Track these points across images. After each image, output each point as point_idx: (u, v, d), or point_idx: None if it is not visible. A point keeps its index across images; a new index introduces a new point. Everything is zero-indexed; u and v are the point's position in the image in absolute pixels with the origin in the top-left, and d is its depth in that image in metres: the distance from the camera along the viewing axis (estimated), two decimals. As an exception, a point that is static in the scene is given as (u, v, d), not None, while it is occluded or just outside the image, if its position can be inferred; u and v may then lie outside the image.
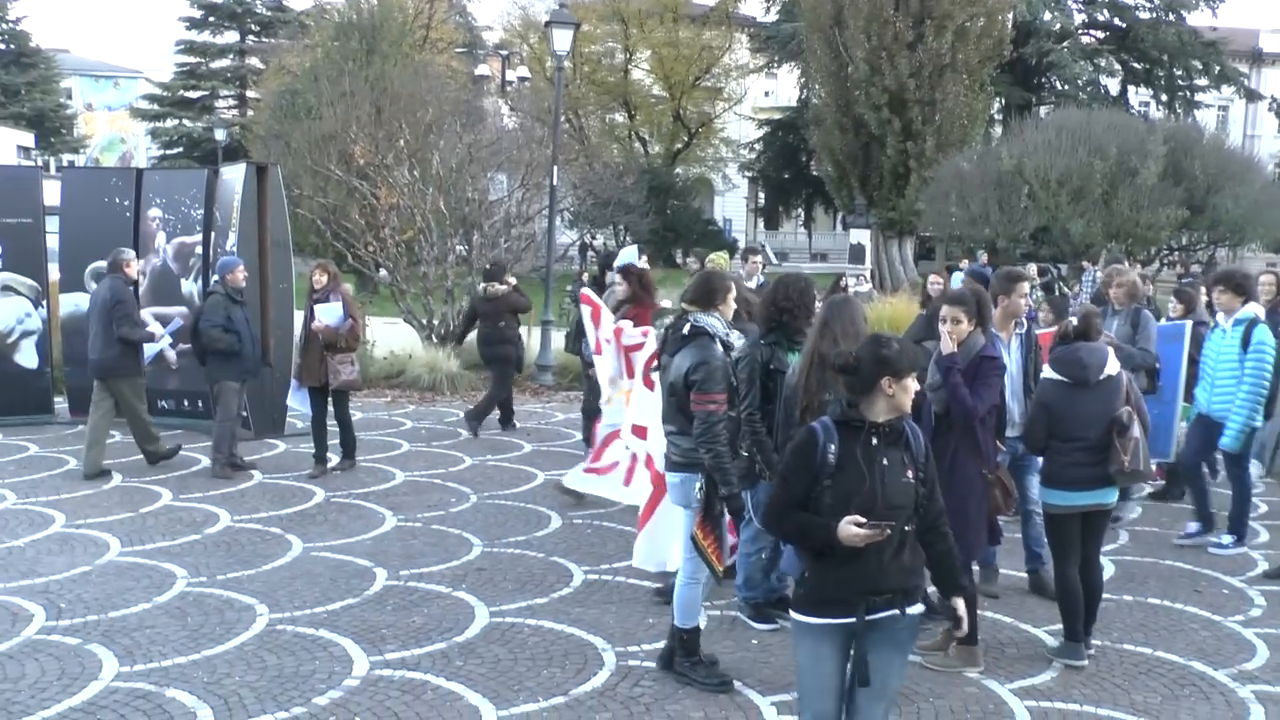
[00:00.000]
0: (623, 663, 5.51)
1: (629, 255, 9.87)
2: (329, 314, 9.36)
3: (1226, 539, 7.61)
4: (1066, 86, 41.51)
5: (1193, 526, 7.86)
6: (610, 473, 7.74)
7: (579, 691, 5.17)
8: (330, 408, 9.67)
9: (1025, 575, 6.79)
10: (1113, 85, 43.64)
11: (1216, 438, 7.45)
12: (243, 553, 7.30)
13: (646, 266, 10.43)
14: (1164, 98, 43.04)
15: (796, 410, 4.98)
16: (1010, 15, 36.31)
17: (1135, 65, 42.90)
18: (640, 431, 6.94)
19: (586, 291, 8.64)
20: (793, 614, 3.70)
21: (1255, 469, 7.51)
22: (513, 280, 11.87)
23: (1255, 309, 7.51)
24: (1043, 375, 5.77)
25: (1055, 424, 5.56)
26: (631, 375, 7.42)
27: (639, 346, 7.31)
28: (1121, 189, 25.70)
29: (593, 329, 8.09)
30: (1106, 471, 5.44)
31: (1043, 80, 42.69)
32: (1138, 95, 44.74)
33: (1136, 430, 5.44)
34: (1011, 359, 6.14)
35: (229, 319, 9.36)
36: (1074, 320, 5.78)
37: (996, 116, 40.42)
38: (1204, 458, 8.03)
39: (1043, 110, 39.68)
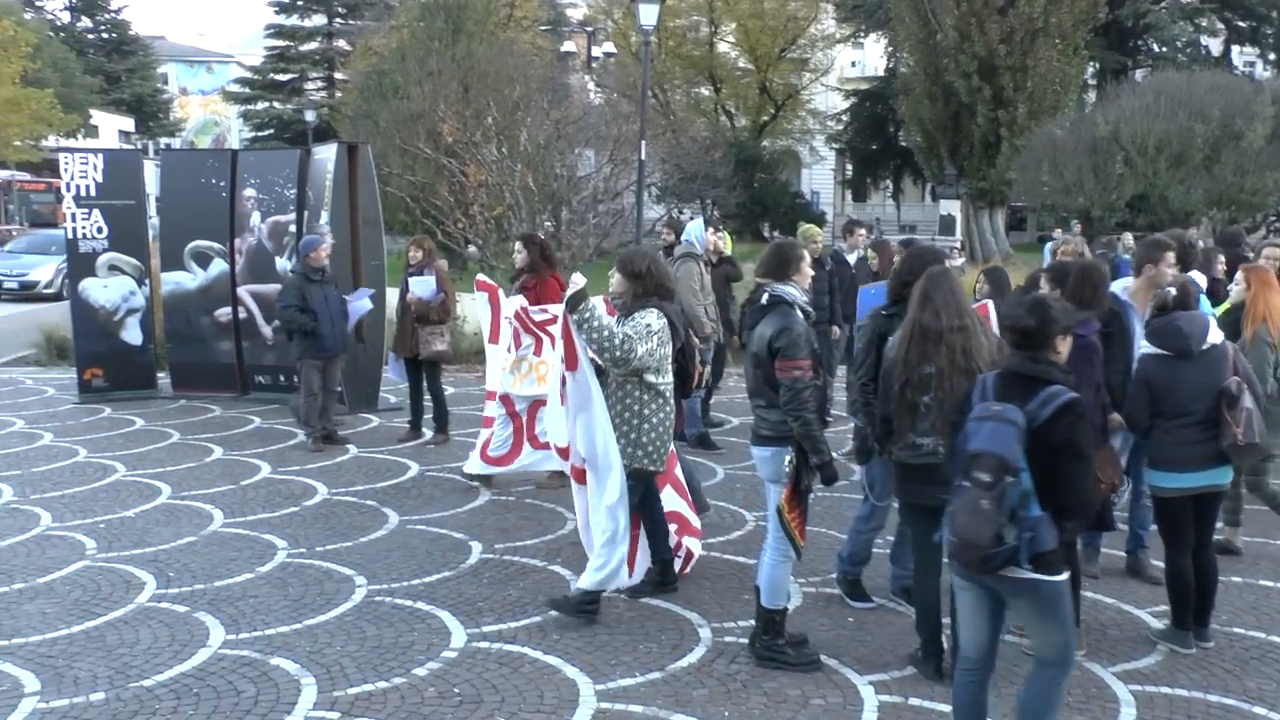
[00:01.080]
0: (719, 639, 5.49)
1: (696, 228, 9.88)
2: (422, 287, 9.60)
3: None
4: (1165, 48, 40.18)
5: None
6: (513, 456, 8.04)
7: (675, 667, 5.16)
8: (424, 380, 9.87)
9: (1124, 555, 6.61)
10: (1215, 46, 42.10)
11: None
12: (340, 525, 7.43)
13: (722, 238, 10.42)
14: (1272, 56, 41.39)
15: (895, 384, 4.87)
16: (1106, -24, 35.19)
17: (1240, 23, 41.27)
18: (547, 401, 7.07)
19: (481, 277, 8.62)
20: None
21: None
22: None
23: (1198, 277, 7.02)
24: (1141, 350, 5.52)
25: (1159, 401, 5.32)
26: (541, 350, 7.79)
27: (552, 320, 7.42)
28: (1225, 153, 24.83)
29: (489, 312, 8.18)
30: (1218, 448, 5.22)
31: (1139, 43, 41.36)
32: (1242, 55, 43.13)
33: (1248, 401, 5.18)
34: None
35: (304, 298, 9.49)
36: (1172, 290, 5.53)
37: (1090, 82, 39.24)
38: None
39: (1139, 74, 38.48)
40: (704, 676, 5.07)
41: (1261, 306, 6.44)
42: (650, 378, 5.76)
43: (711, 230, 10.14)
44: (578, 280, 5.51)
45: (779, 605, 5.21)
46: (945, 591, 4.95)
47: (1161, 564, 5.66)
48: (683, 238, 9.90)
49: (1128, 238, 18.24)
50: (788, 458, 5.03)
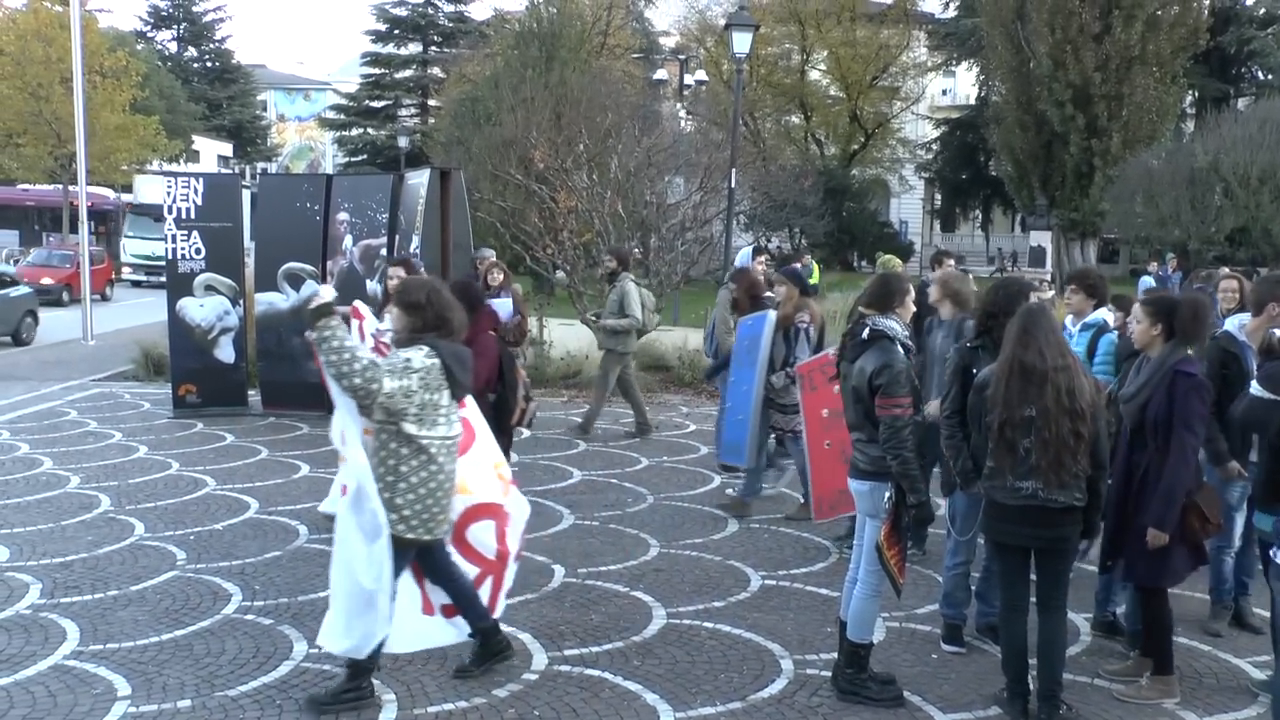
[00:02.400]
0: (800, 671, 5.40)
1: (744, 256, 10.00)
2: (500, 309, 9.71)
3: None
4: (1270, 76, 39.10)
5: None
6: None
7: (756, 698, 5.09)
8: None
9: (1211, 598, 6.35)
10: (1323, 75, 40.88)
11: None
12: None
13: (808, 268, 10.44)
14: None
15: (994, 422, 4.76)
16: (1207, 1, 34.44)
17: (1350, 51, 40.07)
18: None
19: (356, 304, 7.95)
20: None
21: None
22: None
23: (1105, 314, 6.89)
24: (1251, 392, 5.28)
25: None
26: None
27: None
28: None
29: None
30: None
31: (1243, 70, 40.37)
32: (1352, 85, 41.78)
33: None
34: None
35: None
36: (1277, 332, 5.29)
37: (1189, 110, 38.38)
38: None
39: (1241, 103, 37.50)
40: (785, 708, 4.99)
41: None
42: (409, 428, 4.77)
43: (763, 259, 10.30)
44: (324, 293, 4.89)
45: (865, 640, 5.11)
46: (1030, 629, 4.83)
47: (1264, 611, 5.43)
48: (735, 265, 10.17)
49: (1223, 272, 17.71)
50: (886, 494, 4.95)
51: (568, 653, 5.56)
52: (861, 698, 5.04)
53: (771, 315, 8.12)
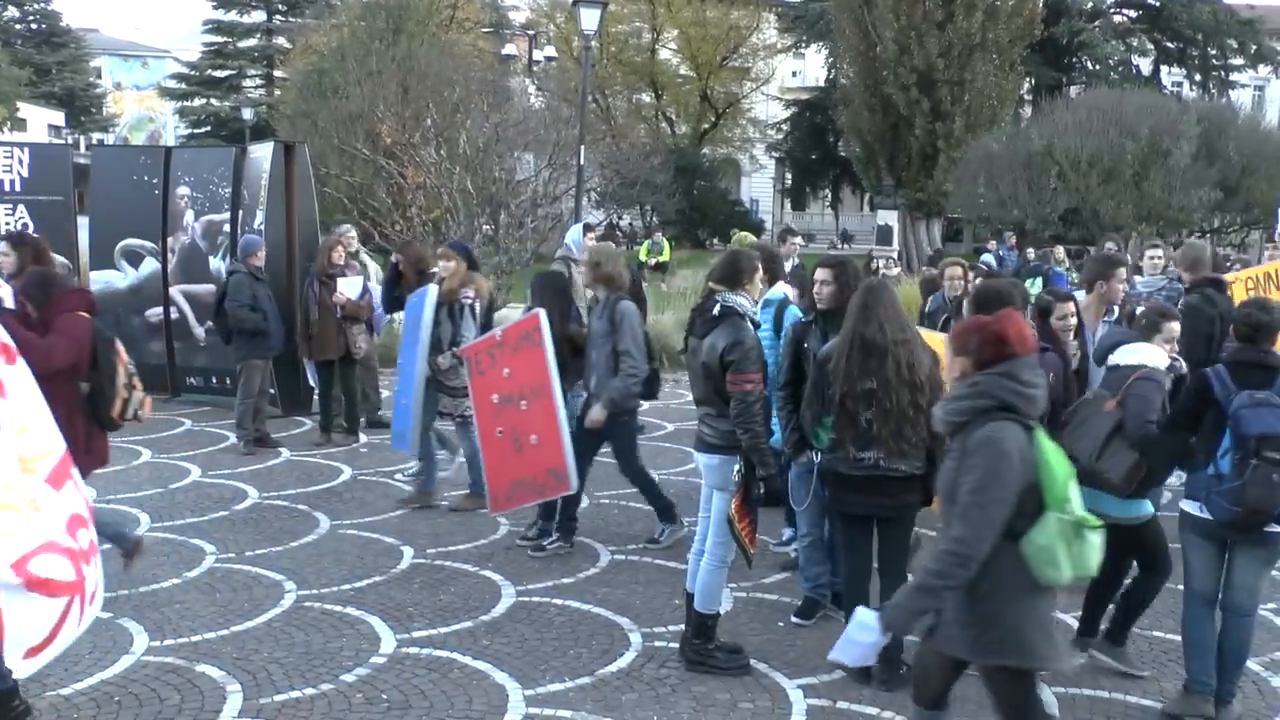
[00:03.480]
0: (649, 644, 5.51)
1: (574, 233, 10.08)
2: (350, 287, 9.59)
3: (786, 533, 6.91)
4: (1098, 66, 40.99)
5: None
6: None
7: (605, 672, 5.17)
8: (340, 379, 10.03)
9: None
10: (1145, 65, 43.04)
11: None
12: (270, 529, 7.34)
13: (591, 242, 10.49)
14: (1198, 77, 42.43)
15: (835, 393, 4.91)
16: (1041, -6, 35.89)
17: (1168, 44, 42.27)
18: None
19: None
20: None
21: None
22: None
23: (785, 289, 6.72)
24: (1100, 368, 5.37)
25: None
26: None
27: None
28: (1153, 170, 25.41)
29: None
30: None
31: (1074, 60, 42.15)
32: (1170, 75, 44.12)
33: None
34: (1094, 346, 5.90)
35: (254, 297, 9.45)
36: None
37: (1026, 97, 39.95)
38: None
39: (1073, 90, 39.22)
40: (633, 681, 5.08)
41: None
42: None
43: (590, 236, 10.36)
44: None
45: (713, 610, 5.23)
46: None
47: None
48: (564, 242, 10.22)
49: (1059, 250, 18.62)
50: (736, 467, 5.05)
51: (416, 634, 5.55)
52: (708, 667, 5.16)
53: (433, 291, 7.65)
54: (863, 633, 3.62)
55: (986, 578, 3.48)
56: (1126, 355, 5.06)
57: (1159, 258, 8.69)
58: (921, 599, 3.52)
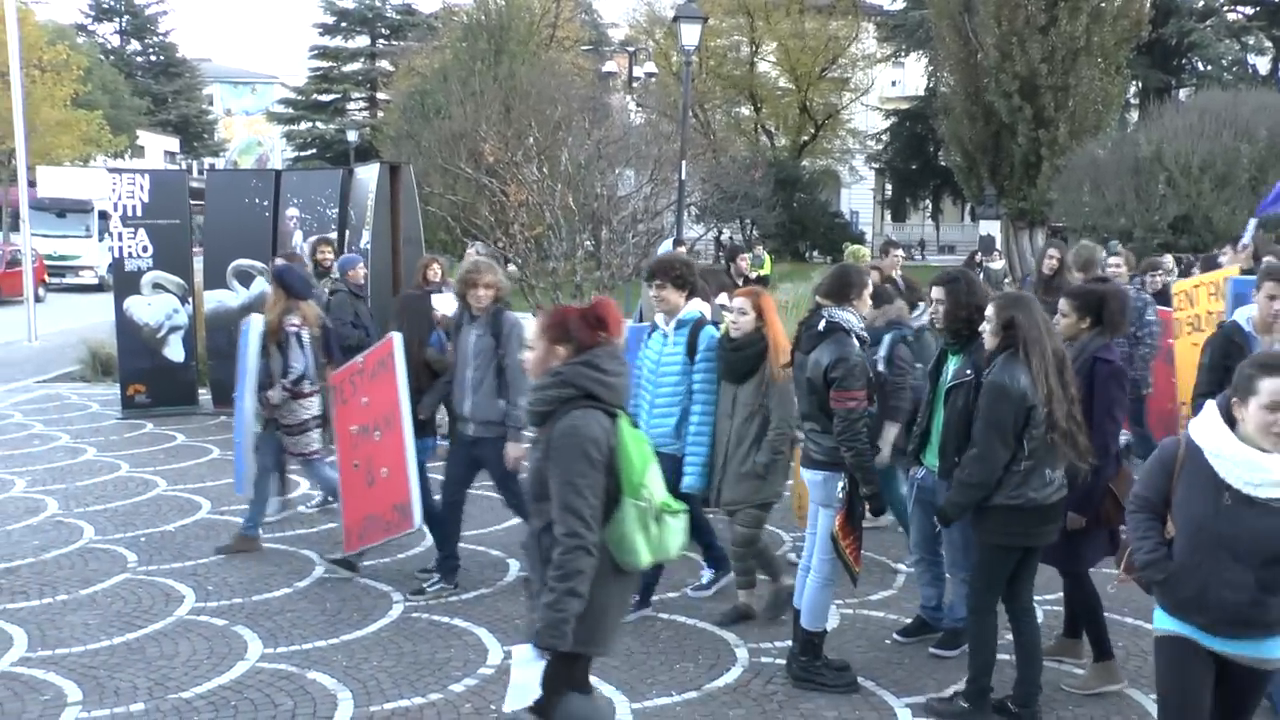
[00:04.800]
0: (755, 659, 5.46)
1: (665, 248, 10.04)
2: (446, 304, 9.66)
3: (705, 576, 6.47)
4: (1210, 67, 39.71)
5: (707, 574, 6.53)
6: None
7: (712, 687, 5.14)
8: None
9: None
10: (1262, 64, 41.57)
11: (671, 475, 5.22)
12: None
13: (760, 258, 10.46)
14: (1325, 75, 40.86)
15: (1049, 417, 4.50)
16: (1149, -6, 34.93)
17: (1288, 41, 40.84)
18: None
19: None
20: None
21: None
22: None
23: (701, 307, 6.04)
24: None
25: None
26: None
27: None
28: (1272, 174, 24.46)
29: None
30: None
31: (1184, 61, 40.91)
32: (1291, 74, 42.59)
33: None
34: None
35: (356, 314, 9.58)
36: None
37: (1133, 101, 38.94)
38: None
39: (1183, 93, 38.09)
40: (740, 696, 5.04)
41: None
42: None
43: (681, 250, 10.29)
44: None
45: (819, 627, 5.17)
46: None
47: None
48: (657, 251, 10.14)
49: (1168, 260, 18.02)
50: (840, 484, 4.99)
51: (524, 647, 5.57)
52: (816, 684, 5.10)
53: (255, 321, 7.15)
54: (526, 668, 3.45)
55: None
56: None
57: (1120, 265, 8.72)
58: (567, 603, 3.38)
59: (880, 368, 6.24)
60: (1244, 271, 8.27)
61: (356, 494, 6.50)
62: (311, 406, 7.32)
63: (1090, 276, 7.33)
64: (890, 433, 6.26)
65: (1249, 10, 41.34)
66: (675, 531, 3.59)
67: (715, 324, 6.03)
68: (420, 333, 6.71)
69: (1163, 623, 3.69)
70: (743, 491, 5.65)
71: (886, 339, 6.39)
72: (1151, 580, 3.69)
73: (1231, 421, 3.48)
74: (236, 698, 4.98)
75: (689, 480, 5.77)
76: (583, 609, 3.43)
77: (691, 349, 5.84)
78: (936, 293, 5.11)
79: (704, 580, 6.47)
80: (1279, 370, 3.39)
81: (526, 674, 3.46)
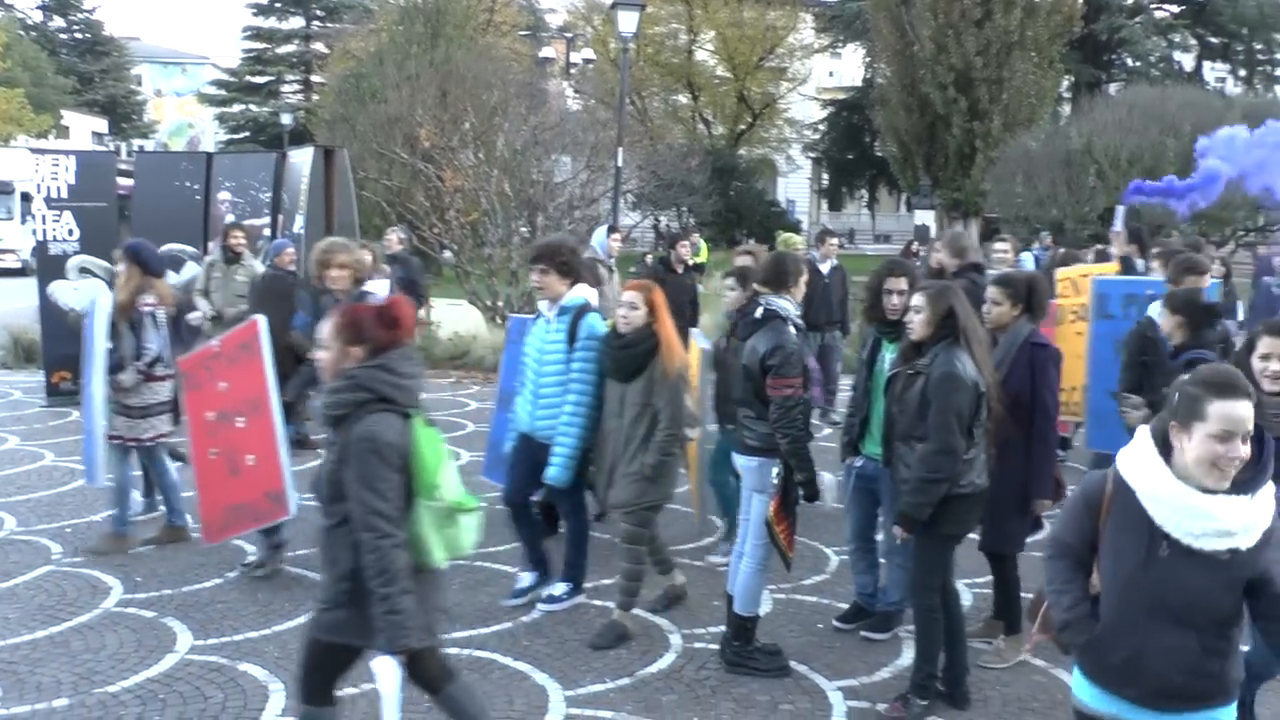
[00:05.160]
0: (689, 645, 5.50)
1: (599, 235, 10.13)
2: (378, 290, 9.61)
3: (560, 588, 6.06)
4: (1138, 63, 40.51)
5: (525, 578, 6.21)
6: None
7: (645, 673, 5.17)
8: None
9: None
10: (1187, 61, 42.49)
11: (544, 465, 5.68)
12: (311, 530, 7.31)
13: (617, 243, 10.49)
14: (1242, 73, 41.83)
15: (984, 417, 4.63)
16: (1080, -10, 35.58)
17: (1211, 40, 41.70)
18: None
19: None
20: None
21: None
22: None
23: (586, 292, 5.83)
24: None
25: None
26: None
27: None
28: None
29: None
30: None
31: (1113, 57, 41.69)
32: (1213, 71, 43.54)
33: None
34: None
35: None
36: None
37: (1065, 95, 39.59)
38: (530, 492, 5.98)
39: (1113, 88, 38.81)
40: (673, 682, 5.08)
41: None
42: None
43: (615, 237, 10.36)
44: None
45: (752, 612, 5.22)
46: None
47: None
48: (590, 244, 10.22)
49: (1088, 255, 18.37)
50: (775, 469, 5.03)
51: (457, 635, 5.56)
52: (748, 669, 5.16)
53: (102, 300, 6.87)
54: (388, 678, 3.49)
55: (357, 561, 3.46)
56: None
57: (1006, 251, 8.84)
58: (399, 602, 3.41)
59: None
60: (1122, 259, 8.44)
61: (216, 484, 6.20)
62: (162, 391, 6.93)
63: (965, 263, 7.47)
64: None
65: (1175, 9, 42.22)
66: (468, 529, 3.65)
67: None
68: (283, 315, 6.53)
69: (1083, 694, 3.12)
70: (631, 493, 5.47)
71: None
72: (1071, 643, 3.13)
73: (1167, 449, 2.89)
74: (165, 691, 4.91)
75: (552, 472, 5.61)
76: (414, 603, 3.46)
77: (573, 336, 5.67)
78: (918, 300, 4.80)
79: (520, 586, 6.11)
80: (1233, 392, 2.79)
81: (390, 683, 3.48)
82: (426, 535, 3.54)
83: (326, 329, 3.67)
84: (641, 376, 5.41)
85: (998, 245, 9.06)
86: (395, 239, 11.00)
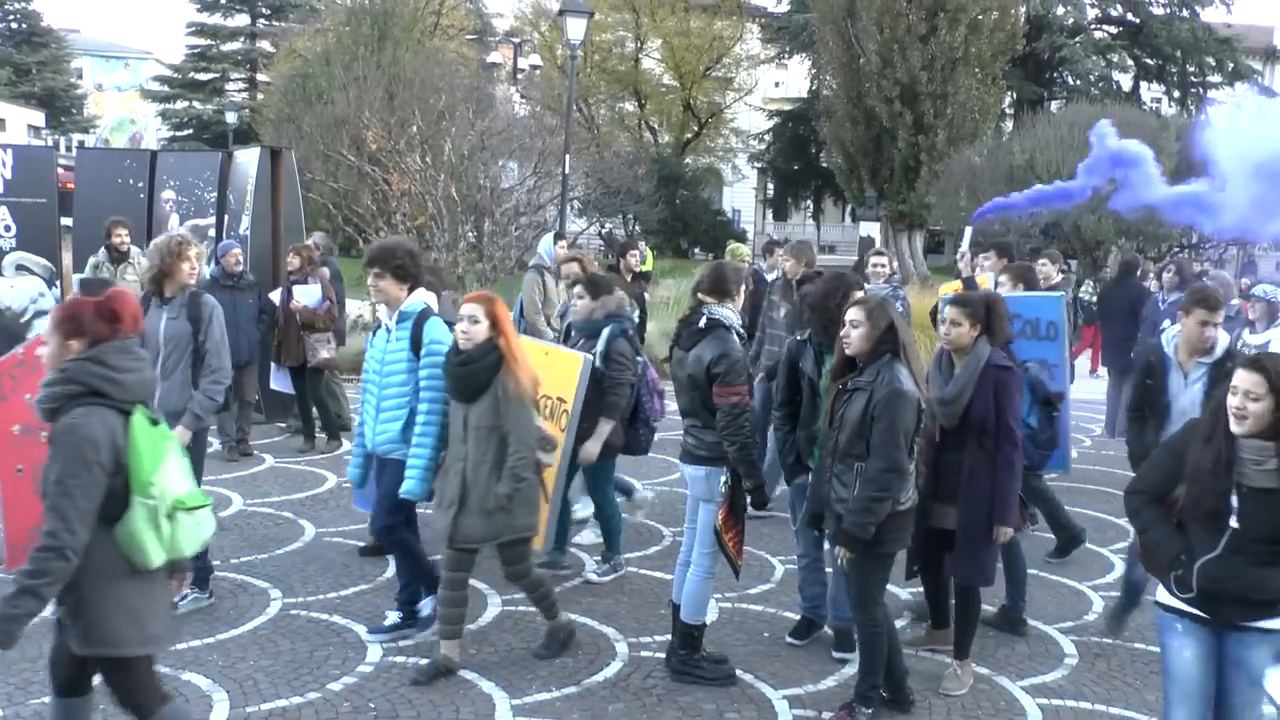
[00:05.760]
0: (635, 653, 5.53)
1: (545, 242, 10.22)
2: (307, 295, 9.58)
3: (392, 617, 5.76)
4: (1078, 81, 41.38)
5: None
6: None
7: (591, 681, 5.19)
8: (306, 387, 9.92)
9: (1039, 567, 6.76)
10: (1125, 81, 43.47)
11: (393, 483, 5.38)
12: (255, 537, 7.32)
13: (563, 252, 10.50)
14: (1176, 94, 42.88)
15: (920, 430, 4.68)
16: (1023, 9, 36.18)
17: (1148, 61, 42.74)
18: None
19: None
20: None
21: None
22: None
23: (426, 297, 5.53)
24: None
25: None
26: None
27: None
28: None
29: None
30: None
31: (1054, 75, 42.54)
32: (1150, 91, 44.56)
33: None
34: (1189, 395, 5.43)
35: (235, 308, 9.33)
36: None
37: (1008, 111, 40.29)
38: (398, 517, 5.61)
39: (1054, 105, 39.56)
40: (620, 691, 5.10)
41: None
42: None
43: (562, 244, 10.42)
44: None
45: (699, 621, 5.25)
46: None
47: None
48: (537, 251, 10.32)
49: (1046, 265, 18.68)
50: (723, 478, 5.05)
51: (403, 643, 5.55)
52: (694, 677, 5.19)
53: (44, 299, 6.38)
54: None
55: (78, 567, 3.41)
56: None
57: (883, 265, 8.68)
58: (24, 602, 3.37)
59: (597, 363, 6.25)
60: (965, 280, 8.43)
61: (21, 502, 5.68)
62: None
63: (810, 271, 7.77)
64: (604, 428, 6.28)
65: (1113, 30, 43.17)
66: (191, 528, 3.54)
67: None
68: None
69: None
70: (486, 528, 5.06)
71: (605, 332, 6.36)
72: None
73: None
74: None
75: (408, 486, 5.27)
76: (40, 610, 3.39)
77: (416, 344, 5.33)
78: (855, 314, 4.77)
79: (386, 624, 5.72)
80: None
81: None
82: (141, 534, 3.43)
83: (49, 322, 3.59)
84: (486, 396, 4.99)
85: (874, 260, 8.71)
86: (312, 243, 10.82)
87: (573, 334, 6.94)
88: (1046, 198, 10.55)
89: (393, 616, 5.70)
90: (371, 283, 5.45)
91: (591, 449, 6.25)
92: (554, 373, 6.20)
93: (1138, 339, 9.83)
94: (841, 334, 4.75)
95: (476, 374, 5.00)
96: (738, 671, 5.28)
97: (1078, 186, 9.23)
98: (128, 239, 9.96)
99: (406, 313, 5.41)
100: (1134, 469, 5.51)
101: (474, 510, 5.03)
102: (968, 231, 9.81)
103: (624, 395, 6.32)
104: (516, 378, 4.99)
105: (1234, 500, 3.60)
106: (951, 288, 8.55)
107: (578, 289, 6.62)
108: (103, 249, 10.04)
